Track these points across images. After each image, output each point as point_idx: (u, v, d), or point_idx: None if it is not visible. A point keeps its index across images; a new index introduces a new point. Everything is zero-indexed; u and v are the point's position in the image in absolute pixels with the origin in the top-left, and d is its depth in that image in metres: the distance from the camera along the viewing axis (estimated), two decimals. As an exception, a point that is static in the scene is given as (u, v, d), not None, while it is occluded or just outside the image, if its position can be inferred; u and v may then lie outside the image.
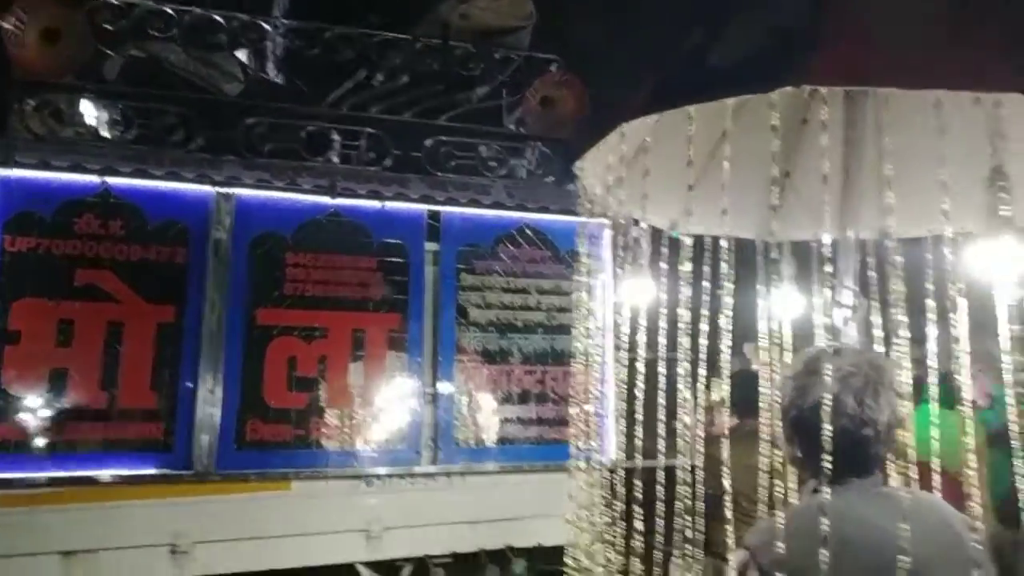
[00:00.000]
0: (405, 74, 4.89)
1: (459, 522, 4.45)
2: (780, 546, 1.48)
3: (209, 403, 4.05)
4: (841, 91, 2.15)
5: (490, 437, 4.56)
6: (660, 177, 2.27)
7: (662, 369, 2.33)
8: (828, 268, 2.02)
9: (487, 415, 4.58)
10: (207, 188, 4.22)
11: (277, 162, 4.41)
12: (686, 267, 2.18)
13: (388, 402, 4.40)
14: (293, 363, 4.24)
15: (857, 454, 1.56)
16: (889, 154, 1.72)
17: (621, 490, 2.36)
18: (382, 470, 4.34)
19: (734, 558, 1.64)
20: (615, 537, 2.43)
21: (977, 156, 1.66)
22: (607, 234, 4.24)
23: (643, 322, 2.54)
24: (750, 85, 1.76)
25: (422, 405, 4.44)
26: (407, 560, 4.39)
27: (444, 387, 4.50)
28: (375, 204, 4.44)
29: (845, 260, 2.22)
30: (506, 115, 5.40)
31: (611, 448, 4.53)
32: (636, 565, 2.39)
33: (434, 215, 4.59)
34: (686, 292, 2.18)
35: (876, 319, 1.81)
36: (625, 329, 2.43)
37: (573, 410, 2.72)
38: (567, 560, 2.47)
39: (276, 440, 4.15)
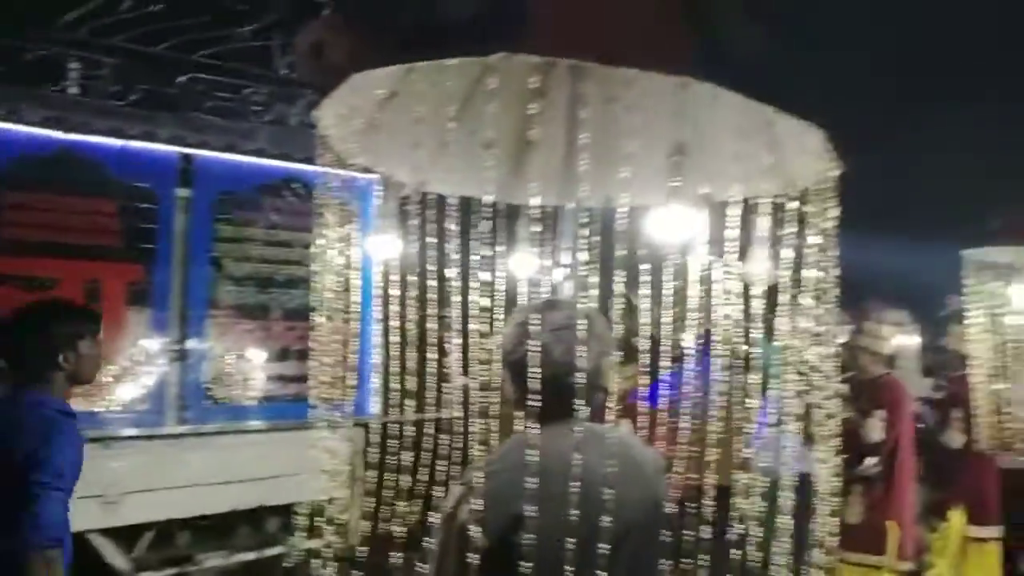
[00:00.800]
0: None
1: (210, 484, 4.25)
2: (488, 477, 1.60)
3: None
4: (567, 64, 2.21)
5: (246, 395, 4.37)
6: (406, 134, 2.24)
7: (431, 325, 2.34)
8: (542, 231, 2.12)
9: (244, 372, 4.38)
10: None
11: (-5, 87, 3.86)
12: (447, 226, 2.20)
13: (129, 359, 4.07)
14: (15, 316, 3.78)
15: (563, 397, 1.69)
16: (588, 124, 1.79)
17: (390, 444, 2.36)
18: (124, 432, 4.03)
19: (451, 494, 1.70)
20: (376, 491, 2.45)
21: (678, 130, 1.77)
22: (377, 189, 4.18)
23: (411, 278, 2.52)
24: (471, 47, 1.75)
25: (168, 363, 4.15)
26: (150, 525, 4.15)
27: (194, 344, 4.23)
28: (116, 142, 4.02)
29: (569, 225, 2.32)
30: (277, 58, 5.10)
31: (373, 402, 4.58)
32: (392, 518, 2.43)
33: (188, 159, 4.24)
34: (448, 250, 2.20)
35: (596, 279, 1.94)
36: (388, 284, 2.42)
37: (313, 364, 2.65)
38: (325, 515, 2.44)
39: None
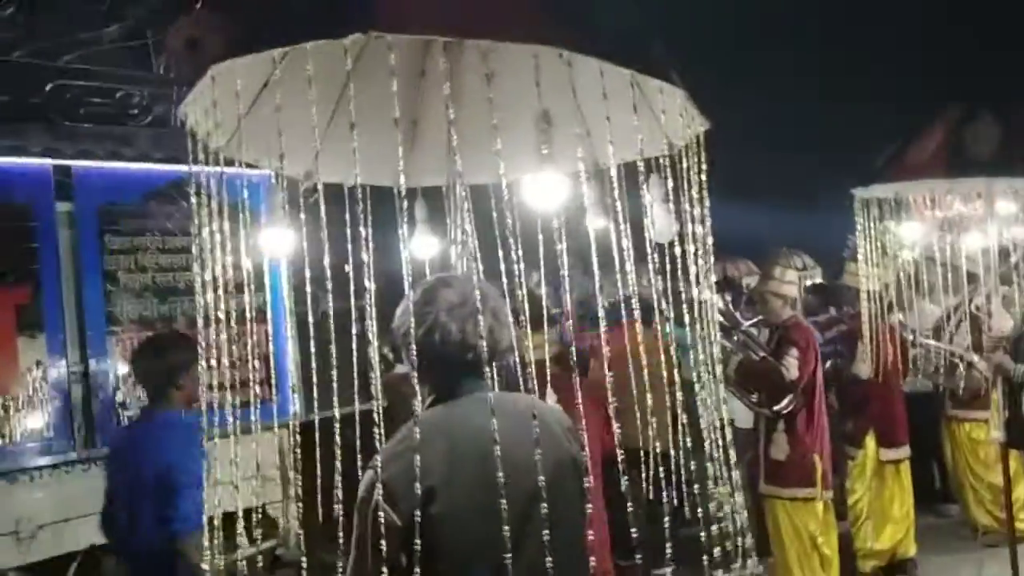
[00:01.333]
0: (12, 3, 4.15)
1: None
2: (395, 458, 1.61)
3: None
4: (442, 41, 2.19)
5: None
6: (283, 124, 2.17)
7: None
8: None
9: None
10: None
11: None
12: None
13: (25, 387, 3.87)
14: None
15: (462, 371, 1.74)
16: (463, 100, 1.77)
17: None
18: (29, 463, 3.85)
19: (363, 479, 1.69)
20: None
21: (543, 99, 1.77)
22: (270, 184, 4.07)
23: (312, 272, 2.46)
24: (325, 30, 1.70)
25: (70, 386, 3.97)
26: (72, 555, 3.98)
27: (97, 363, 4.06)
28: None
29: (460, 203, 2.31)
30: (155, 57, 4.87)
31: (292, 402, 4.48)
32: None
33: (65, 170, 4.03)
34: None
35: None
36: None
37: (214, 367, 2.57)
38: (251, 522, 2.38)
39: None
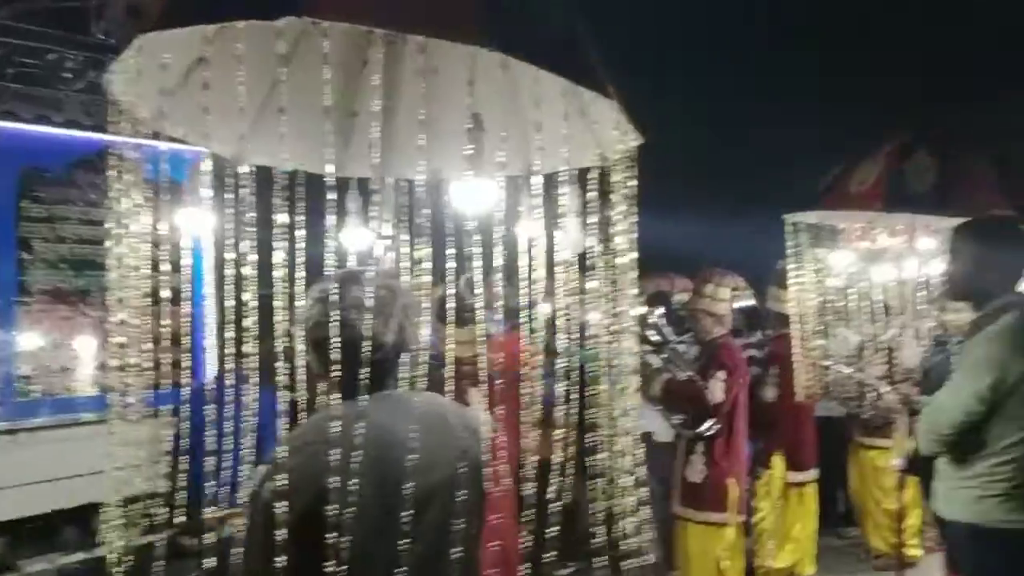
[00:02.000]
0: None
1: (29, 483, 3.95)
2: (291, 453, 1.61)
3: None
4: (383, 33, 2.17)
5: (65, 387, 4.08)
6: (218, 102, 2.13)
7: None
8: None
9: (62, 362, 4.08)
10: None
11: None
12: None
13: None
14: None
15: (368, 368, 1.69)
16: (396, 94, 1.77)
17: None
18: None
19: (259, 472, 1.69)
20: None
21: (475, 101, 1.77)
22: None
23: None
24: (258, 10, 1.68)
25: (-29, 355, 3.81)
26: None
27: (2, 334, 3.89)
28: None
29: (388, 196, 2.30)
30: (93, 21, 4.71)
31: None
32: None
33: (-15, 130, 3.87)
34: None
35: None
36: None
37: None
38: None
39: None
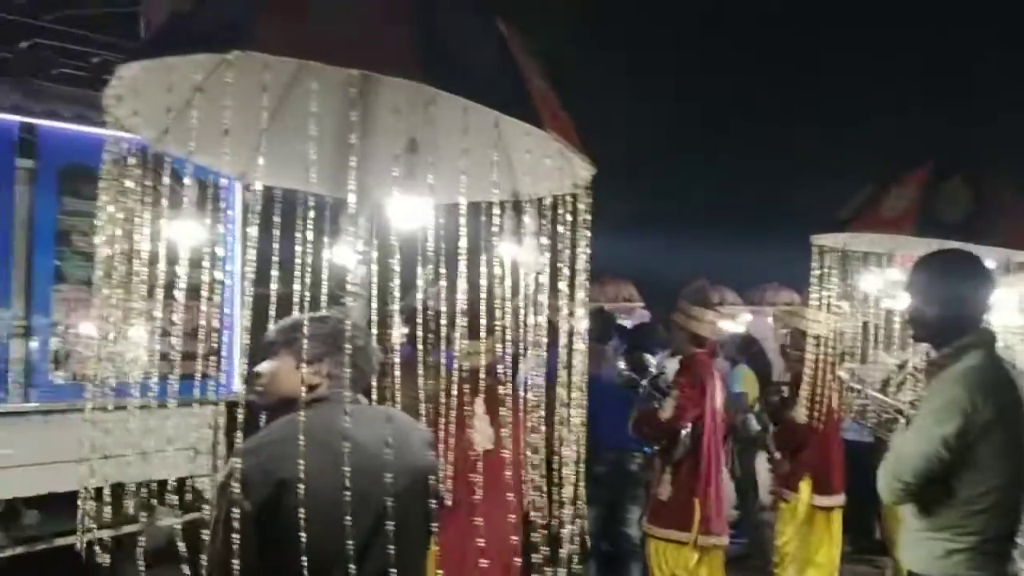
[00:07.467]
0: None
1: (59, 461, 4.18)
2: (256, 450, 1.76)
3: None
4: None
5: (99, 372, 4.29)
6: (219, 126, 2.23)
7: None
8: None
9: (95, 349, 4.30)
10: None
11: None
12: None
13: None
14: None
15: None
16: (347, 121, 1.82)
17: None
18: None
19: (224, 468, 1.83)
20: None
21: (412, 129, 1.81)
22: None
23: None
24: (211, 44, 1.75)
25: (10, 338, 4.05)
26: (-7, 503, 4.07)
27: (40, 319, 4.13)
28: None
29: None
30: (144, 27, 4.93)
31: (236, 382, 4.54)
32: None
33: (30, 128, 4.08)
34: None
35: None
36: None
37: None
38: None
39: None
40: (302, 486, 1.67)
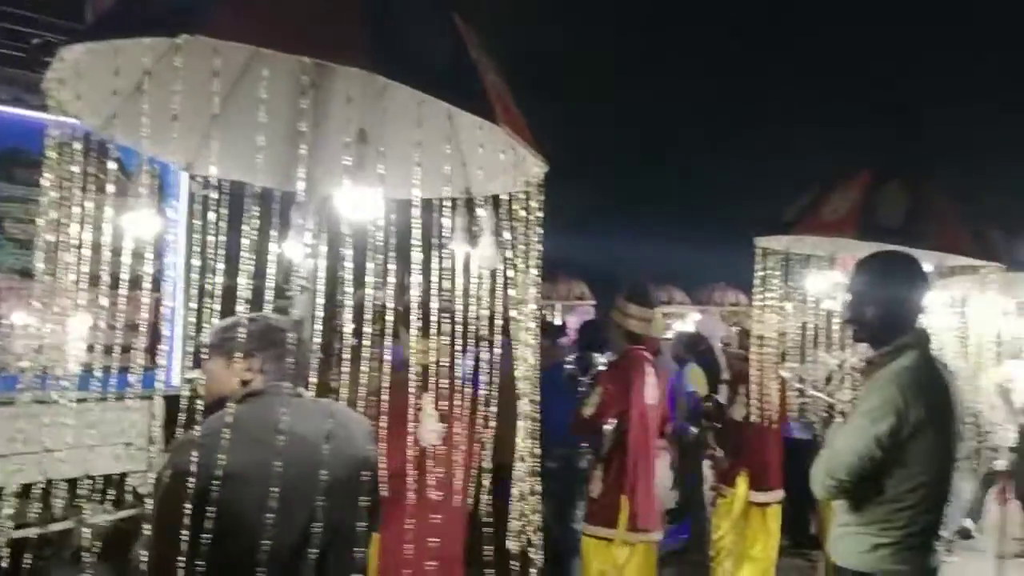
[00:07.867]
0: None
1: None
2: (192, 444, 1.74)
3: None
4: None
5: (29, 365, 4.15)
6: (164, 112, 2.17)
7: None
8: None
9: (25, 340, 4.16)
10: None
11: None
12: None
13: None
14: None
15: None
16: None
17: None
18: None
19: (164, 461, 1.80)
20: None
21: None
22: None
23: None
24: (160, 28, 1.71)
25: (-63, 330, 3.89)
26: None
27: (-30, 310, 3.98)
28: None
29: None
30: (89, 9, 4.76)
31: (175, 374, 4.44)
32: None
33: (-37, 111, 3.94)
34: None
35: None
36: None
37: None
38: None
39: None
40: (233, 479, 1.68)
